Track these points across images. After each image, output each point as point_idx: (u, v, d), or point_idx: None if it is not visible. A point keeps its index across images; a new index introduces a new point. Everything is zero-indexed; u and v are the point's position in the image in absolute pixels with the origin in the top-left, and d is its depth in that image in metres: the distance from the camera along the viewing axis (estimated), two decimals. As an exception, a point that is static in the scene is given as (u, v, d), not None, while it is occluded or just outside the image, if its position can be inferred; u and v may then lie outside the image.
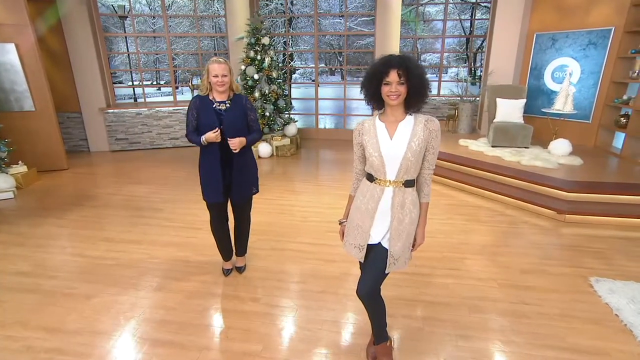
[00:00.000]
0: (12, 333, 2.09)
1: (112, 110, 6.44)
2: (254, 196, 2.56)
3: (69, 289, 2.51)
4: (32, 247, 3.12)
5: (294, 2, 15.20)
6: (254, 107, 2.41)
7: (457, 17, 17.02)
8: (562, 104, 4.97)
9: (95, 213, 3.85)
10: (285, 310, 2.28)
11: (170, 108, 6.77)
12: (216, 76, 2.17)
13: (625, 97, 4.98)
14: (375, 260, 1.56)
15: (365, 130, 1.50)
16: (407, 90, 1.38)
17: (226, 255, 2.69)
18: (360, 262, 1.66)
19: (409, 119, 1.47)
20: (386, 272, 1.55)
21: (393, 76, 1.36)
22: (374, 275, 1.56)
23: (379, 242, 1.56)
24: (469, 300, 2.36)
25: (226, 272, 2.69)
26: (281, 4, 14.08)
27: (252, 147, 2.48)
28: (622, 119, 4.93)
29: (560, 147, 4.72)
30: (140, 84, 8.04)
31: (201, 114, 2.25)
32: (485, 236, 3.27)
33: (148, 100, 7.86)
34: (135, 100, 12.84)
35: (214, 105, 2.25)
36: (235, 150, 2.25)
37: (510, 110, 5.24)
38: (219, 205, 2.46)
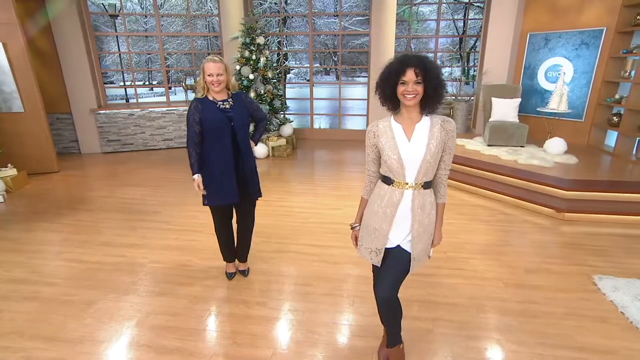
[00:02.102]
0: (9, 344, 2.00)
1: (103, 111, 6.29)
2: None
3: (67, 296, 2.43)
4: (26, 253, 3.02)
5: (288, 1, 15.14)
6: (252, 98, 2.45)
7: (451, 17, 17.16)
8: (557, 103, 5.04)
9: (90, 217, 3.75)
10: (292, 314, 2.25)
11: (163, 108, 6.65)
12: (211, 75, 2.11)
13: (617, 97, 5.08)
14: (394, 264, 1.54)
15: (381, 132, 1.47)
16: (424, 90, 1.36)
17: (230, 258, 2.63)
18: (375, 265, 1.63)
19: (425, 119, 1.44)
20: (410, 272, 1.54)
21: (410, 75, 1.33)
22: (394, 278, 1.54)
23: (398, 245, 1.54)
24: (476, 300, 2.35)
25: (230, 276, 2.64)
26: (275, 4, 14.00)
27: None
28: (614, 117, 5.03)
29: (556, 146, 4.78)
30: (132, 84, 7.89)
31: (206, 116, 2.17)
32: (487, 235, 3.28)
33: (140, 100, 7.72)
34: (127, 100, 12.62)
35: (217, 105, 2.20)
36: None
37: (505, 110, 5.30)
38: (223, 208, 2.41)
